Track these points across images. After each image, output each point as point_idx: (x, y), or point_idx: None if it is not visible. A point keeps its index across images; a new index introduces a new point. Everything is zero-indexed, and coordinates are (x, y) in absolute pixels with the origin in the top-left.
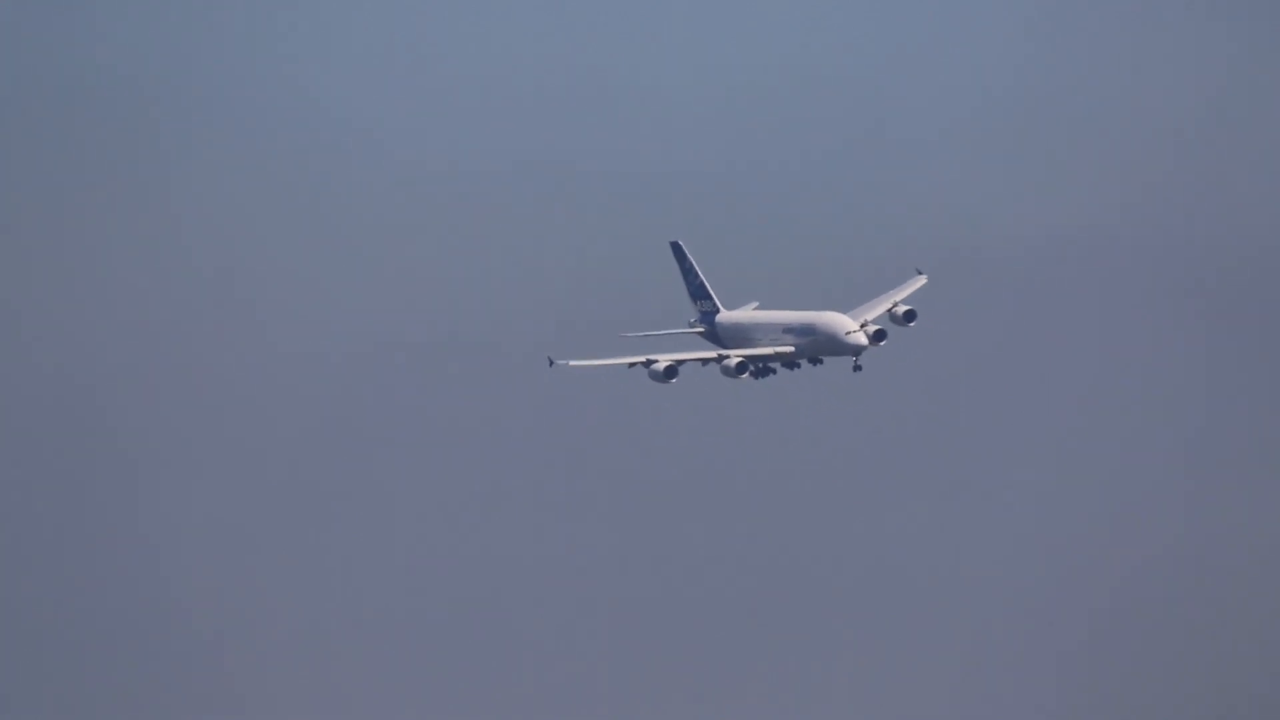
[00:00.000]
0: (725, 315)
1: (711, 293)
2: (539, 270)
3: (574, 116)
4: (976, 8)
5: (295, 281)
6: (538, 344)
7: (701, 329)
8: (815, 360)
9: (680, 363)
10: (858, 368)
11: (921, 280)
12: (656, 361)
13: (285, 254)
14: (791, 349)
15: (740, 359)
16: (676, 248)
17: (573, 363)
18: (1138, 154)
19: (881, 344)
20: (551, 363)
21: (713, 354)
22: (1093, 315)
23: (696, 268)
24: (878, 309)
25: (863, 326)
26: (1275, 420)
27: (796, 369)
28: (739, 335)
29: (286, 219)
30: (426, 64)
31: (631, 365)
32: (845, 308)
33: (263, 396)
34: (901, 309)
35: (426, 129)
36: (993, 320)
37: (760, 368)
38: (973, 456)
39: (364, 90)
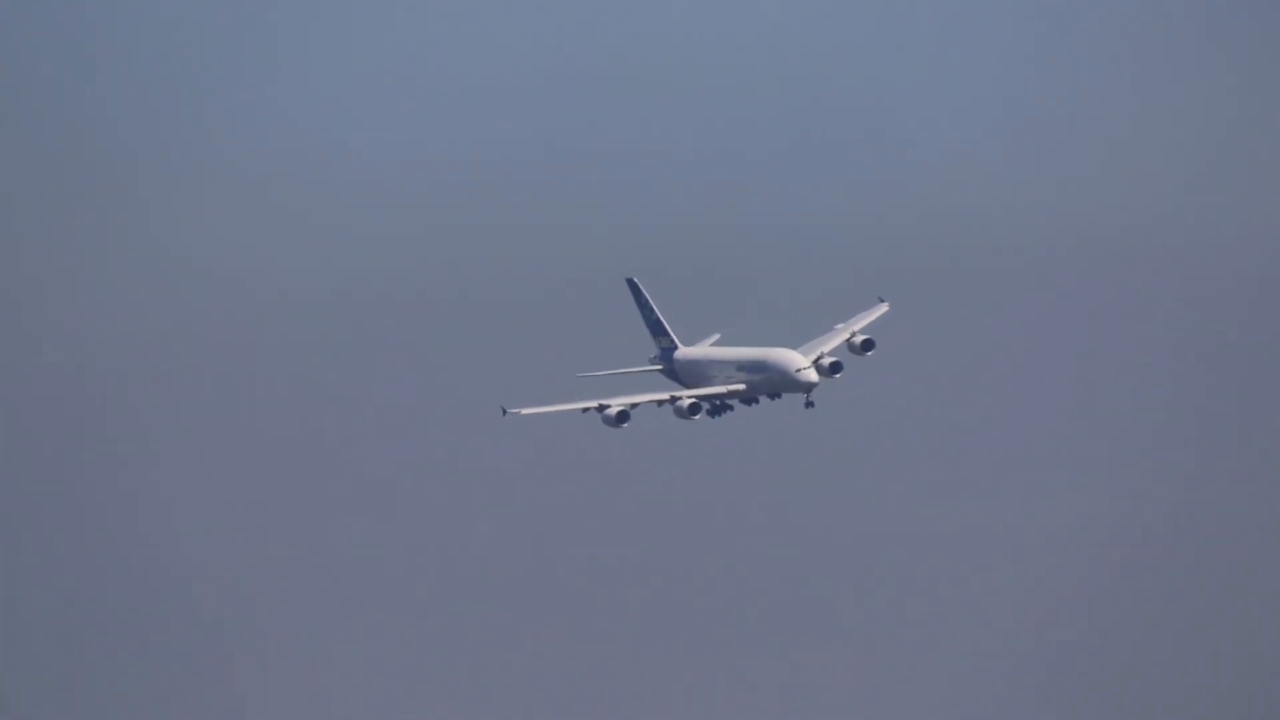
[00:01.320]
0: (683, 352)
1: (669, 329)
2: (494, 309)
3: (527, 150)
4: (938, 38)
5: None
6: (495, 389)
7: (661, 366)
8: (773, 395)
9: (634, 405)
10: (809, 404)
11: (883, 308)
12: (609, 406)
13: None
14: (743, 386)
15: (692, 400)
16: (633, 284)
17: (525, 411)
18: (1103, 177)
19: (837, 376)
20: (505, 411)
21: (665, 395)
22: (1058, 342)
23: (653, 304)
24: (836, 339)
25: (818, 360)
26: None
27: (755, 404)
28: (695, 373)
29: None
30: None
31: (585, 410)
32: (808, 336)
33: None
34: (859, 339)
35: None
36: (953, 349)
37: (716, 405)
38: (926, 492)
39: (293, 140)
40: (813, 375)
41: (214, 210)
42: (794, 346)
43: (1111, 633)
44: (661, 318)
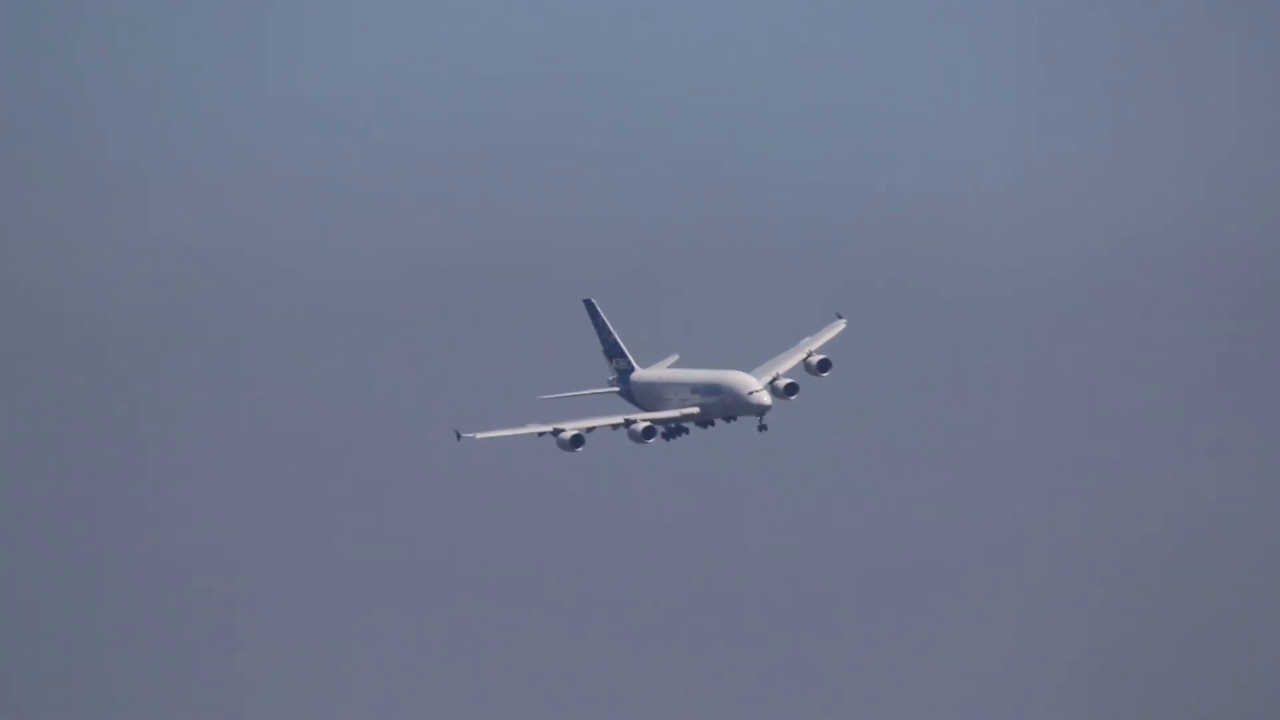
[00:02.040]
0: (639, 374)
1: (625, 351)
2: (452, 330)
3: (483, 169)
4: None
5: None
6: (452, 410)
7: (618, 389)
8: (729, 418)
9: (591, 429)
10: (763, 427)
11: (841, 325)
12: (563, 430)
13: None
14: (696, 410)
15: (647, 424)
16: (590, 305)
17: (479, 435)
18: (1076, 186)
19: (793, 398)
20: (459, 436)
21: (620, 419)
22: (1024, 358)
23: (609, 325)
24: (793, 359)
25: (774, 380)
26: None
27: (711, 426)
28: (651, 395)
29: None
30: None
31: (541, 434)
32: (769, 354)
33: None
34: (816, 359)
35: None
36: (913, 366)
37: (672, 428)
38: (879, 515)
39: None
40: (765, 398)
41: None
42: (753, 365)
43: (1087, 674)
44: (619, 339)
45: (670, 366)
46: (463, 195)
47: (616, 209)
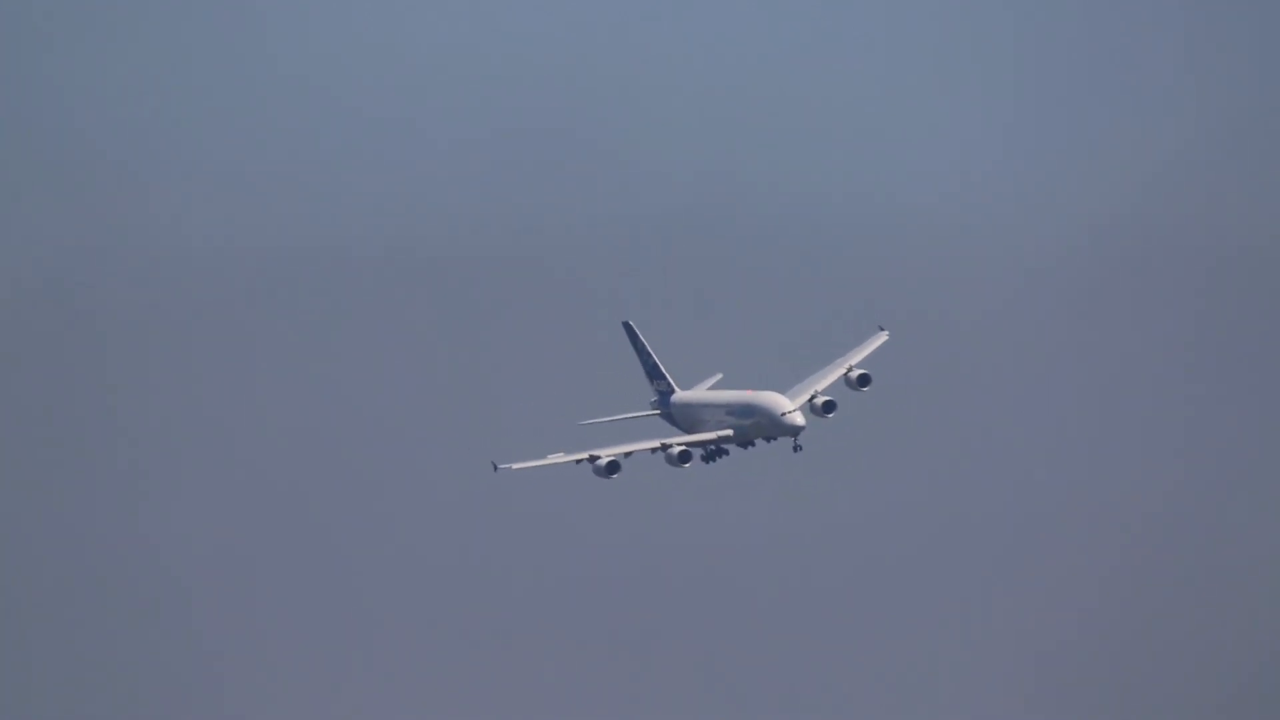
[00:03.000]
0: (679, 396)
1: (665, 373)
2: (492, 358)
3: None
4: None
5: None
6: (495, 437)
7: (659, 411)
8: (769, 438)
9: (628, 455)
10: (798, 448)
11: (883, 337)
12: (599, 458)
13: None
14: (731, 432)
15: (682, 448)
16: (628, 328)
17: (515, 466)
18: (1114, 199)
19: (830, 416)
20: (495, 467)
21: (656, 444)
22: (1067, 374)
23: (648, 347)
24: (834, 374)
25: (812, 399)
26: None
27: (751, 447)
28: (690, 417)
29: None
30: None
31: (578, 462)
32: (812, 369)
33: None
34: (855, 374)
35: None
36: (954, 380)
37: (711, 450)
38: (918, 539)
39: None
40: (799, 419)
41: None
42: (796, 381)
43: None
44: (658, 361)
45: (712, 387)
46: (498, 219)
47: (656, 227)
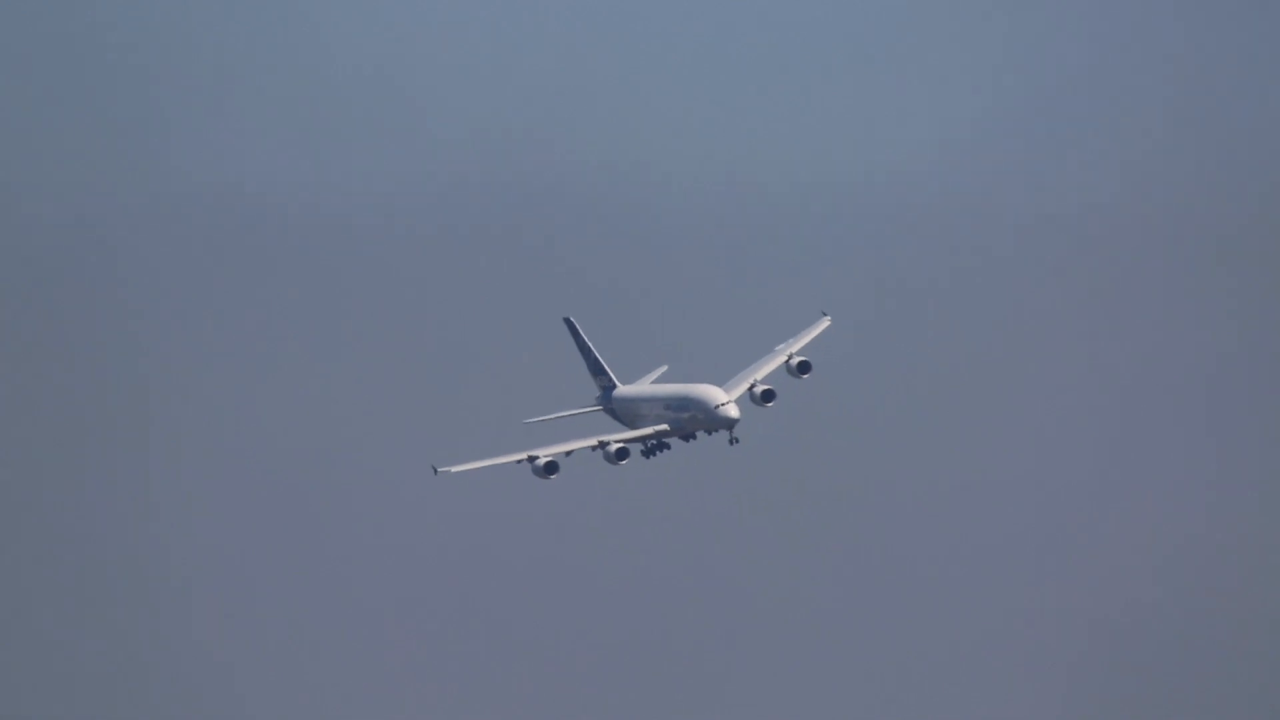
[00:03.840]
0: (620, 391)
1: (606, 368)
2: (433, 357)
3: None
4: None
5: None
6: (440, 436)
7: (603, 406)
8: (707, 431)
9: (569, 453)
10: (734, 441)
11: (825, 323)
12: (537, 458)
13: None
14: (667, 426)
15: (619, 445)
16: (570, 324)
17: (455, 468)
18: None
19: (770, 405)
20: (435, 470)
21: (594, 441)
22: (1013, 360)
23: (589, 343)
24: (774, 362)
25: (751, 388)
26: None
27: (694, 439)
28: (631, 412)
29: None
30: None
31: (519, 462)
32: (755, 357)
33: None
34: (796, 361)
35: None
36: (896, 366)
37: (652, 445)
38: (859, 525)
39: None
40: (732, 411)
41: None
42: (738, 370)
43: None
44: (599, 356)
45: (657, 380)
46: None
47: (601, 219)
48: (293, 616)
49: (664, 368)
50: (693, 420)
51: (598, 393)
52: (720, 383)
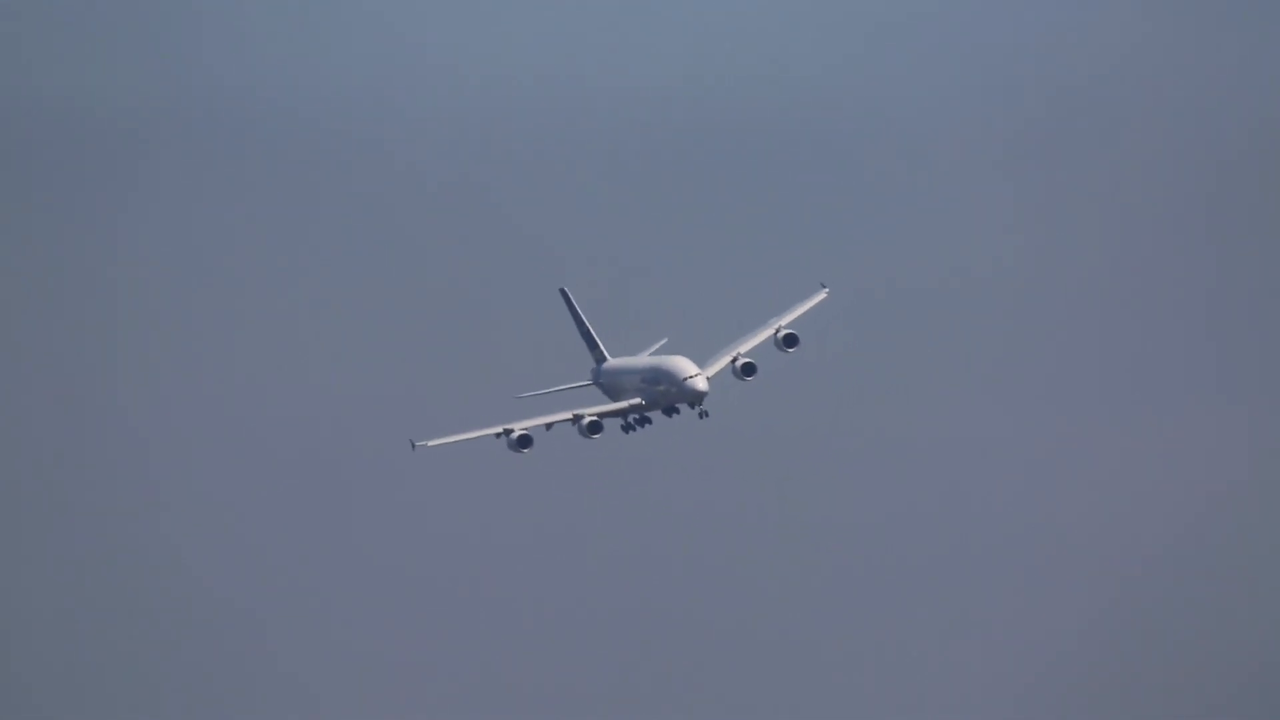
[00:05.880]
0: (608, 364)
1: (598, 341)
2: (431, 329)
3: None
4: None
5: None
6: (435, 410)
7: (594, 381)
8: (678, 404)
9: (549, 426)
10: (703, 415)
11: (823, 295)
12: (512, 431)
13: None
14: (641, 400)
15: (592, 419)
16: (565, 295)
17: (432, 442)
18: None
19: (750, 379)
20: (414, 445)
21: (569, 414)
22: (1011, 343)
23: (582, 315)
24: (763, 334)
25: (734, 360)
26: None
27: (676, 414)
28: (615, 386)
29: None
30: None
31: (498, 436)
32: (754, 329)
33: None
34: (783, 334)
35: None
36: (888, 343)
37: (634, 420)
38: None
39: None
40: (700, 384)
41: None
42: (730, 342)
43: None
44: (591, 329)
45: (654, 353)
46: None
47: (600, 187)
48: (257, 584)
49: (664, 340)
50: (665, 394)
51: (593, 366)
52: (708, 354)
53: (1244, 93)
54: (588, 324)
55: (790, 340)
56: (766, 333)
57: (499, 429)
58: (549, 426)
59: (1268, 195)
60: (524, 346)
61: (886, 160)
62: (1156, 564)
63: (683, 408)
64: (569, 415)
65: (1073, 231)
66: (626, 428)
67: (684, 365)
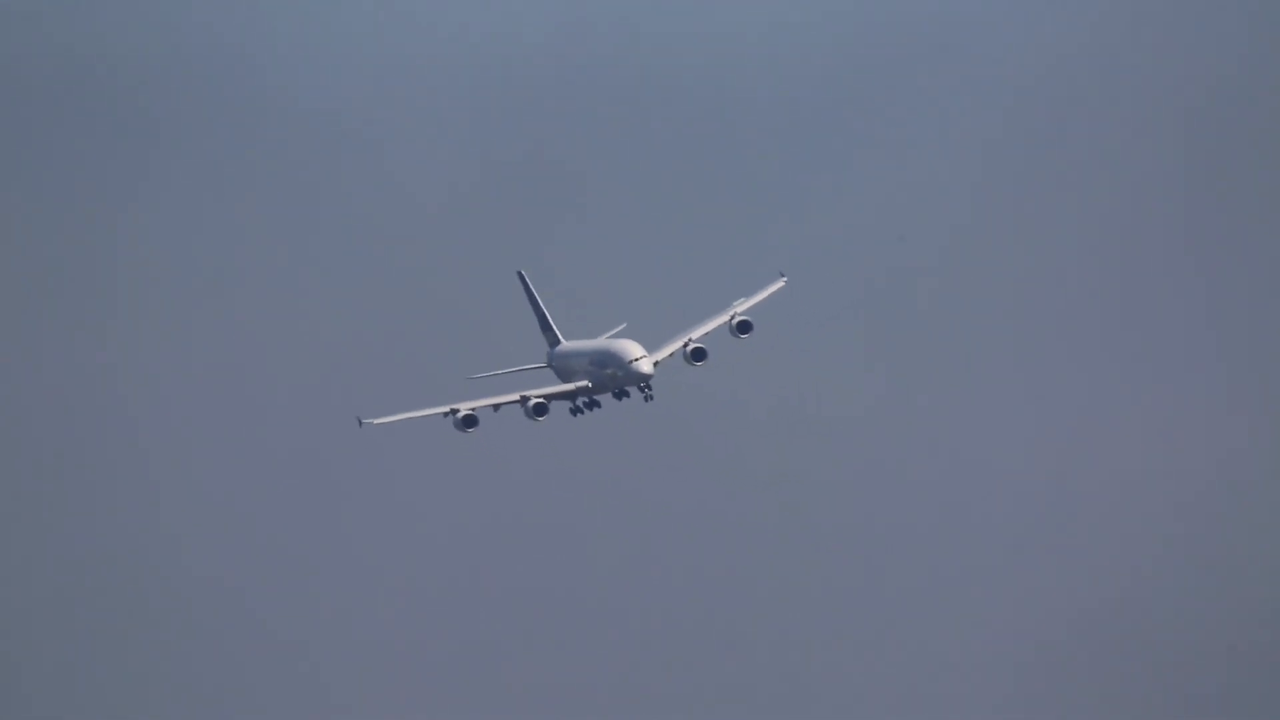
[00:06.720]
0: (560, 347)
1: (552, 324)
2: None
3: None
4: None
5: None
6: (384, 391)
7: (548, 363)
8: (626, 387)
9: (497, 408)
10: (648, 398)
11: (781, 283)
12: (458, 411)
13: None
14: (589, 383)
15: (538, 401)
16: (522, 277)
17: (378, 421)
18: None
19: (700, 364)
20: (361, 423)
21: (516, 396)
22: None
23: (538, 297)
24: (718, 320)
25: (685, 345)
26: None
27: (626, 397)
28: (567, 369)
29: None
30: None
31: (446, 415)
32: (706, 315)
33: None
34: (737, 320)
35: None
36: (843, 331)
37: (583, 402)
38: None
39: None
40: (645, 367)
41: None
42: (686, 328)
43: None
44: (546, 311)
45: (611, 336)
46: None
47: (562, 171)
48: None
49: (622, 325)
50: (612, 377)
51: (548, 349)
52: (665, 340)
53: (1244, 92)
54: (543, 306)
55: (744, 326)
56: (722, 319)
57: (446, 409)
58: (497, 408)
59: (1268, 195)
60: (485, 328)
61: (849, 149)
62: (1126, 558)
63: (632, 390)
64: (516, 397)
65: (1031, 217)
66: (575, 410)
67: (630, 348)
